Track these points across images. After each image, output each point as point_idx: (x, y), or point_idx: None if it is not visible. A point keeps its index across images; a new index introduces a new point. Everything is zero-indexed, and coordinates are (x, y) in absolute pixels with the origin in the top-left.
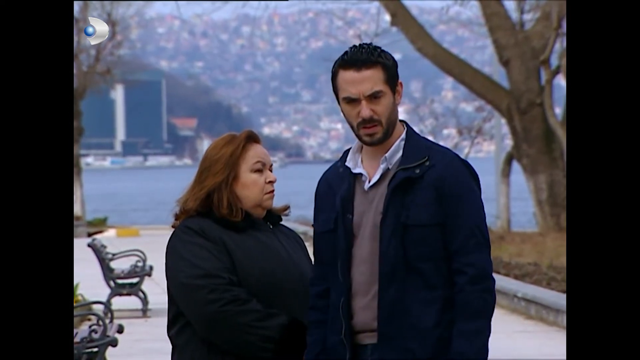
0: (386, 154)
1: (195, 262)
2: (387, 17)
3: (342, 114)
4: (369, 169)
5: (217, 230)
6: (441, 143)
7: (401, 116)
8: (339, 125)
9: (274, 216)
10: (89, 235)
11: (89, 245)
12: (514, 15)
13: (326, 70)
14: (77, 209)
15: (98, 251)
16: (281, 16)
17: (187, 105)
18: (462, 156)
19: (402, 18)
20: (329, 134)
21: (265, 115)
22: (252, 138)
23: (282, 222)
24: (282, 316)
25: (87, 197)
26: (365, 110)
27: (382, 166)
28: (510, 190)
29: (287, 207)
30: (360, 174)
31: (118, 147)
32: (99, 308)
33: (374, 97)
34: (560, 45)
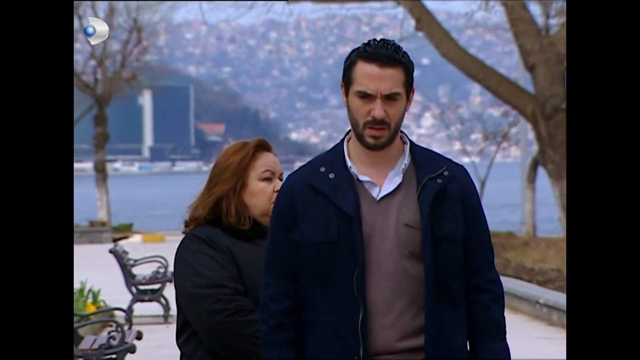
0: (405, 162)
1: (202, 271)
2: (412, 22)
3: (346, 107)
4: (374, 177)
5: (224, 239)
6: (469, 148)
7: (427, 122)
8: None
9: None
10: (114, 241)
11: (110, 252)
12: (540, 20)
13: None
14: (102, 215)
15: (120, 257)
16: (308, 21)
17: (214, 111)
18: (488, 161)
19: (427, 23)
20: None
21: (292, 120)
22: (263, 146)
23: None
24: None
25: (113, 203)
26: (379, 110)
27: (401, 174)
28: (535, 195)
29: None
30: (366, 182)
31: (146, 153)
32: (120, 314)
33: (390, 98)
34: None
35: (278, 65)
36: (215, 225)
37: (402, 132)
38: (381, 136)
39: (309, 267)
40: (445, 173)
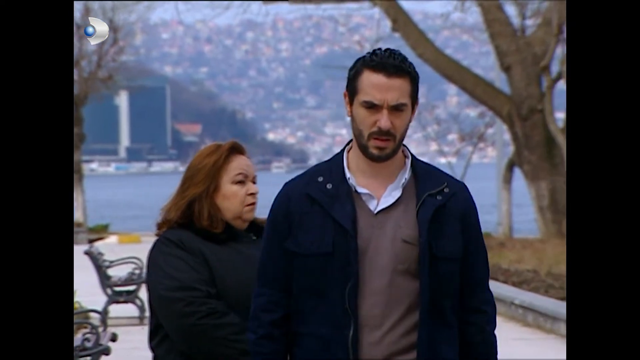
0: (405, 176)
1: (174, 274)
2: (389, 23)
3: (350, 117)
4: (373, 189)
5: (196, 242)
6: (445, 149)
7: None
8: (344, 131)
9: (257, 227)
10: (90, 242)
11: (85, 253)
12: (516, 21)
13: (330, 76)
14: (78, 216)
15: (95, 259)
16: (285, 22)
17: (191, 111)
18: (465, 162)
19: (403, 24)
20: (333, 140)
21: (269, 120)
22: (236, 149)
23: None
24: None
25: (90, 204)
26: (385, 121)
27: (400, 188)
28: (512, 196)
29: None
30: (364, 194)
31: (122, 153)
32: (95, 316)
33: (397, 109)
34: (561, 51)
35: (255, 66)
36: (187, 228)
37: (404, 145)
38: (386, 147)
39: (302, 278)
40: (446, 190)
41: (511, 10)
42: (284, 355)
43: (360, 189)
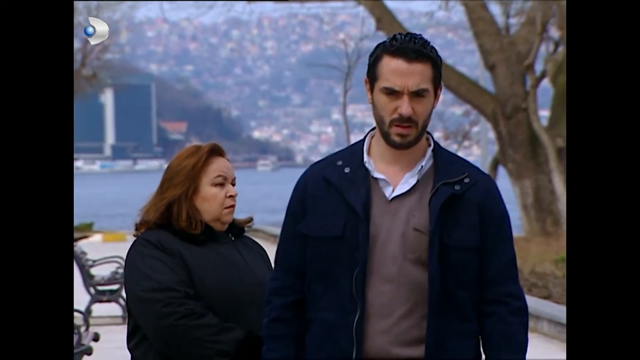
0: (422, 163)
1: (152, 275)
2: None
3: (371, 104)
4: (391, 176)
5: (175, 243)
6: None
7: None
8: (329, 129)
9: (236, 228)
10: (74, 240)
11: None
12: (500, 19)
13: (316, 74)
14: None
15: (78, 258)
16: (271, 20)
17: (176, 109)
18: None
19: (388, 23)
20: (319, 138)
21: (255, 118)
22: (216, 151)
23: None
24: (238, 330)
25: (75, 202)
26: (406, 107)
27: (417, 176)
28: None
29: (250, 220)
30: (381, 180)
31: (107, 151)
32: (78, 316)
33: (418, 94)
34: (545, 49)
35: (240, 64)
36: (166, 229)
37: (428, 133)
38: (408, 134)
39: (314, 262)
40: (466, 180)
41: (495, 9)
42: (296, 339)
43: (377, 175)
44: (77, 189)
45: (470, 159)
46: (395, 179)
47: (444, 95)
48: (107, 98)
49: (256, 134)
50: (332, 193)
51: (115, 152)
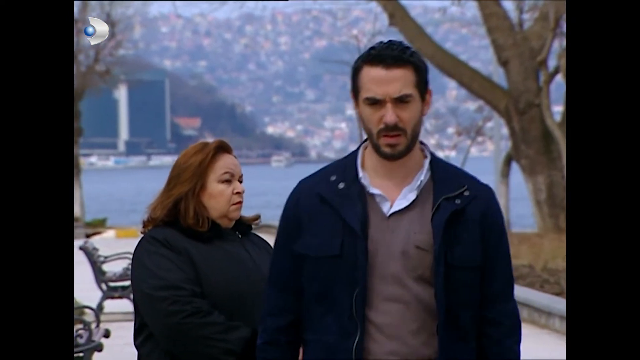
0: (421, 177)
1: (159, 273)
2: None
3: (359, 118)
4: (387, 191)
5: (182, 241)
6: (445, 142)
7: None
8: (343, 125)
9: (243, 225)
10: (87, 236)
11: (80, 248)
12: (513, 15)
13: (329, 70)
14: (76, 210)
15: (90, 254)
16: (285, 15)
17: (190, 105)
18: (464, 155)
19: (400, 19)
20: (332, 133)
21: (268, 114)
22: (223, 148)
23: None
24: (245, 329)
25: (88, 198)
26: (390, 115)
27: (416, 190)
28: (509, 191)
29: (257, 217)
30: (377, 195)
31: (121, 147)
32: (88, 312)
33: (401, 101)
34: (559, 45)
35: (254, 59)
36: (173, 226)
37: (423, 143)
38: (397, 144)
39: (311, 282)
40: (466, 193)
41: (508, 4)
42: None
43: (373, 190)
44: (91, 185)
45: (484, 154)
46: (392, 194)
47: (458, 91)
48: (121, 94)
49: (270, 130)
50: (327, 210)
51: (129, 148)
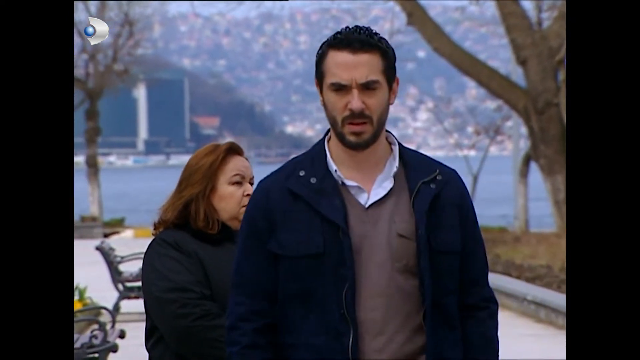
0: (395, 164)
1: (168, 275)
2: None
3: (322, 104)
4: (361, 181)
5: (192, 243)
6: (465, 141)
7: (424, 115)
8: None
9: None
10: (105, 236)
11: (97, 248)
12: (532, 14)
13: None
14: (94, 210)
15: (106, 254)
16: (304, 14)
17: (209, 104)
18: (482, 154)
19: (419, 18)
20: None
21: (287, 113)
22: (234, 150)
23: None
24: None
25: (108, 197)
26: (356, 102)
27: (391, 178)
28: (528, 190)
29: None
30: (353, 187)
31: (140, 146)
32: (104, 313)
33: (367, 87)
34: None
35: (273, 58)
36: (183, 229)
37: (388, 131)
38: (363, 132)
39: (289, 283)
40: (439, 177)
41: (527, 3)
42: None
43: (348, 182)
44: (110, 184)
45: (504, 154)
46: (367, 184)
47: (477, 90)
48: (140, 93)
49: (289, 129)
50: (302, 207)
51: (148, 147)
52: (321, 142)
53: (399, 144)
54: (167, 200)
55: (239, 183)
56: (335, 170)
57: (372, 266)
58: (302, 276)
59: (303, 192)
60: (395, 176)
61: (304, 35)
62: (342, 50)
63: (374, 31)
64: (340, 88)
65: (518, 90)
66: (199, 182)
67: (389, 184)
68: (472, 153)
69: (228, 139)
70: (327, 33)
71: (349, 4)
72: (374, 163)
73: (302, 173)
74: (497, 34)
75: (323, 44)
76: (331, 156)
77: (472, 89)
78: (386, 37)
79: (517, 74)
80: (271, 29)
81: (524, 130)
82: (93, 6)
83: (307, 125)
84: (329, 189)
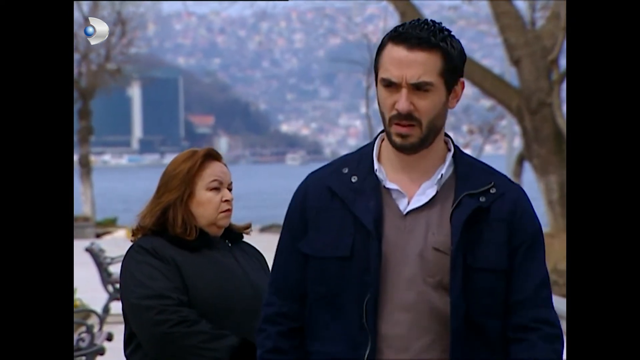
0: (442, 171)
1: (146, 282)
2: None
3: (377, 99)
4: (405, 186)
5: (169, 250)
6: (460, 140)
7: None
8: (358, 122)
9: (233, 233)
10: (97, 236)
11: (86, 250)
12: (526, 13)
13: (342, 69)
14: (86, 210)
15: (96, 256)
16: (299, 12)
17: (204, 103)
18: (477, 153)
19: (411, 17)
20: (347, 131)
21: (283, 112)
22: (212, 155)
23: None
24: (232, 337)
25: (102, 196)
26: (403, 102)
27: (436, 186)
28: None
29: (248, 226)
30: (394, 190)
31: (135, 145)
32: (93, 315)
33: (419, 88)
34: None
35: (268, 57)
36: (161, 235)
37: (448, 136)
38: (409, 135)
39: (316, 286)
40: (492, 190)
41: (521, 3)
42: None
43: (389, 184)
44: (104, 183)
45: (499, 152)
46: (411, 189)
47: (472, 89)
48: (135, 92)
49: (284, 128)
50: (337, 206)
51: (143, 146)
52: (374, 140)
53: (457, 150)
54: (146, 207)
55: (217, 189)
56: (377, 170)
57: (401, 277)
58: (328, 279)
59: (341, 191)
60: (443, 184)
61: (299, 34)
62: (399, 45)
63: (441, 27)
64: (390, 85)
65: (511, 90)
66: (176, 188)
67: (432, 192)
68: (467, 152)
69: (223, 137)
70: (323, 31)
71: (342, 3)
72: (424, 168)
73: (345, 170)
74: (492, 33)
75: (386, 35)
76: (379, 155)
77: (468, 88)
78: (378, 36)
79: (510, 74)
80: (266, 28)
81: (517, 129)
82: (86, 5)
83: (302, 124)
84: (368, 189)
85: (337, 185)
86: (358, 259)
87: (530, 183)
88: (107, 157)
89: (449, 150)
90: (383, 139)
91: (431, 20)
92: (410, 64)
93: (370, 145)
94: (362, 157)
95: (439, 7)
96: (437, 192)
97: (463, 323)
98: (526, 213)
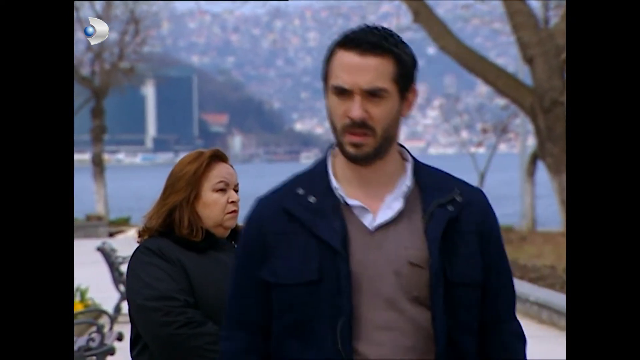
0: (406, 182)
1: (152, 283)
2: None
3: (326, 110)
4: (367, 201)
5: (175, 251)
6: (474, 139)
7: (433, 112)
8: None
9: (240, 234)
10: (111, 235)
11: (98, 249)
12: (539, 12)
13: None
14: (99, 209)
15: (107, 255)
16: (313, 11)
17: (218, 101)
18: (491, 152)
19: (425, 17)
20: None
21: (297, 110)
22: (218, 156)
23: None
24: None
25: (115, 195)
26: (357, 109)
27: (401, 198)
28: (535, 189)
29: None
30: (356, 207)
31: (149, 144)
32: (103, 315)
33: (373, 94)
34: None
35: (282, 55)
36: (167, 237)
37: (402, 146)
38: (363, 144)
39: (283, 314)
40: (458, 198)
41: (534, 2)
42: None
43: (350, 201)
44: (118, 182)
45: (513, 151)
46: (373, 203)
47: (487, 87)
48: (149, 90)
49: (298, 126)
50: (298, 229)
51: (157, 144)
52: (324, 157)
53: (415, 160)
54: (152, 208)
55: (223, 190)
56: (336, 188)
57: (377, 297)
58: (296, 307)
59: (299, 213)
60: (407, 196)
61: (313, 32)
62: (350, 50)
63: (391, 33)
64: (342, 92)
65: (525, 89)
66: (183, 189)
67: (398, 205)
68: (481, 150)
69: (237, 136)
70: (337, 30)
71: (357, 2)
72: (382, 181)
73: (300, 191)
74: (505, 32)
75: (334, 41)
76: (334, 172)
77: (482, 86)
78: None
79: (524, 72)
80: (280, 26)
81: (531, 128)
82: (99, 4)
83: (316, 123)
84: (328, 209)
85: (294, 207)
86: (327, 282)
87: (544, 182)
88: (121, 156)
89: (406, 160)
90: (335, 156)
91: (381, 26)
92: (363, 69)
93: (322, 163)
94: (314, 176)
95: (453, 6)
96: (403, 205)
97: (446, 341)
98: (493, 222)
